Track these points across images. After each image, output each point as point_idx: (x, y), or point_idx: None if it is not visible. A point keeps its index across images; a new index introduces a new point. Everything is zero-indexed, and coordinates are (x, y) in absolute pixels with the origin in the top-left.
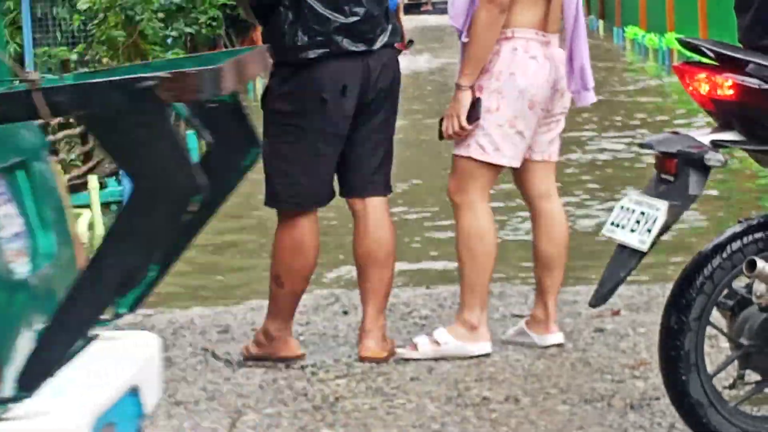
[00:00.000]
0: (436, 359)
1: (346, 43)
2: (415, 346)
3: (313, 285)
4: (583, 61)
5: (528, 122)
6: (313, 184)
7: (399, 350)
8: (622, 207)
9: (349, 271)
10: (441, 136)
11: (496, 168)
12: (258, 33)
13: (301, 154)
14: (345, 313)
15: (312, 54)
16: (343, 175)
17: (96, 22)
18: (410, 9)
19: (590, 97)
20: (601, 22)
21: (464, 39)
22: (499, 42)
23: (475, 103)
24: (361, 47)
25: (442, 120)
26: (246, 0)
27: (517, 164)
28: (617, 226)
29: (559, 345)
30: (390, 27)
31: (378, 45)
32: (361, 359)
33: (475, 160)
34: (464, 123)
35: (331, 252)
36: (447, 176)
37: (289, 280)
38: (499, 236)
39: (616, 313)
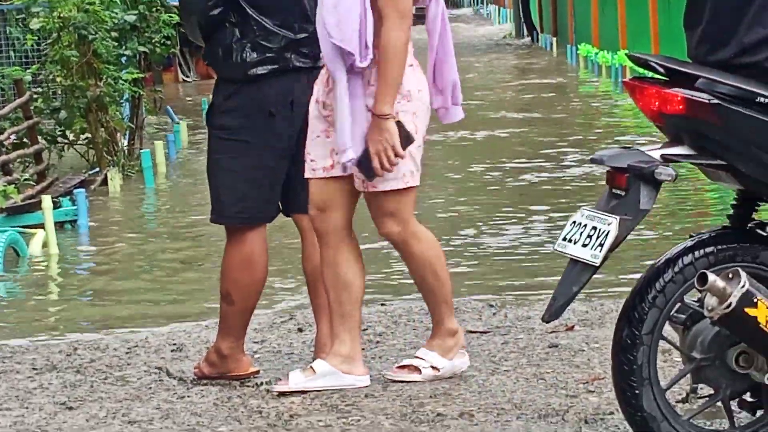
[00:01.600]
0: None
1: (295, 59)
2: (416, 369)
3: (267, 303)
4: (455, 76)
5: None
6: (261, 199)
7: (393, 373)
8: (573, 222)
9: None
10: (371, 175)
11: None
12: None
13: (248, 169)
14: (300, 330)
15: (261, 70)
16: (286, 192)
17: (49, 41)
18: None
19: (459, 113)
20: (554, 40)
21: (362, 63)
22: None
23: (399, 127)
24: (308, 63)
25: (361, 162)
26: (193, 19)
27: None
28: (569, 241)
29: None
30: None
31: (323, 62)
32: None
33: (410, 188)
34: (401, 152)
35: (284, 269)
36: None
37: (240, 297)
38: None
39: (570, 328)
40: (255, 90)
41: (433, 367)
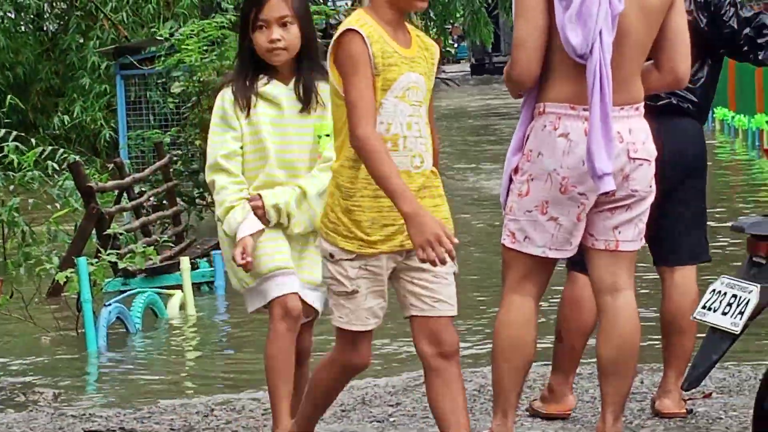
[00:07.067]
0: None
1: None
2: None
3: (398, 367)
4: (590, 143)
5: (563, 209)
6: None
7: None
8: (713, 290)
9: None
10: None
11: (534, 258)
12: None
13: None
14: None
15: None
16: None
17: (189, 105)
18: None
19: (601, 185)
20: None
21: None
22: (533, 118)
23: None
24: None
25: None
26: None
27: (558, 255)
28: (709, 309)
29: None
30: None
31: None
32: (661, 415)
33: (507, 249)
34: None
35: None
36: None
37: (567, 335)
38: None
39: (708, 395)
40: None
41: None
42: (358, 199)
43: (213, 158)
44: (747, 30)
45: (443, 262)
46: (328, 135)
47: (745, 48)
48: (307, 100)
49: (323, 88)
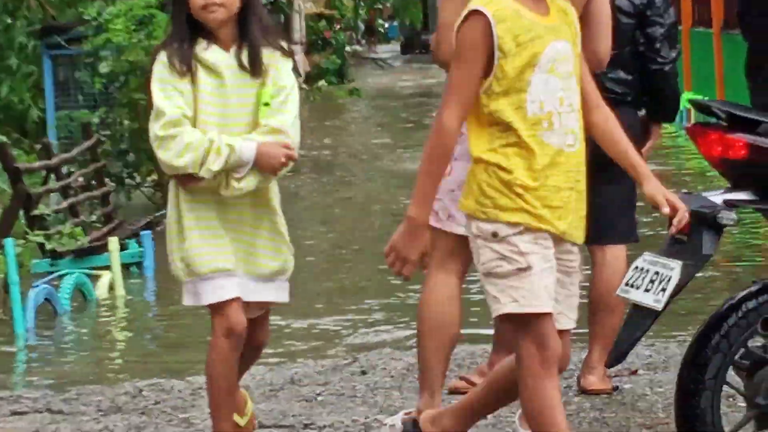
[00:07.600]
0: None
1: None
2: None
3: (330, 345)
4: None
5: None
6: None
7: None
8: (636, 267)
9: (368, 333)
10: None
11: (458, 236)
12: None
13: None
14: (363, 373)
15: None
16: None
17: (117, 85)
18: None
19: None
20: None
21: None
22: None
23: None
24: None
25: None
26: None
27: None
28: (632, 286)
29: None
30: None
31: None
32: (585, 392)
33: (431, 228)
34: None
35: (344, 310)
36: None
37: None
38: None
39: (634, 372)
40: None
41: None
42: (518, 177)
43: (177, 114)
44: (663, 31)
45: (396, 273)
46: (267, 104)
47: (652, 45)
48: (253, 68)
49: (266, 54)
